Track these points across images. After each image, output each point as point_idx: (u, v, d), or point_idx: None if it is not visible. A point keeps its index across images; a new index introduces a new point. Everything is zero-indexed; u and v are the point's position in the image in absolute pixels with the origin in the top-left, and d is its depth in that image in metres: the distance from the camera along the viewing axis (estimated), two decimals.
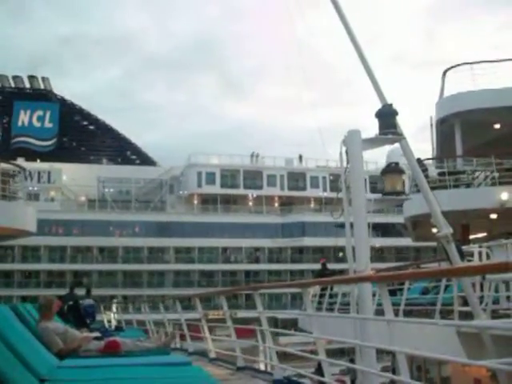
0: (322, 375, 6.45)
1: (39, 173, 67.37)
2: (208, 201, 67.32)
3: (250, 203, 68.91)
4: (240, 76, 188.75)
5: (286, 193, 68.55)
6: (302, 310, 19.26)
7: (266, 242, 64.51)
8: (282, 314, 42.71)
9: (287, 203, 68.22)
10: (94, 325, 14.08)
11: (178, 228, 62.37)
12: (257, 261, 65.17)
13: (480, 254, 11.23)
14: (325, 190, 66.82)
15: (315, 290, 18.83)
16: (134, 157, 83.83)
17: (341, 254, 56.98)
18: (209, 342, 11.00)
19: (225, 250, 64.69)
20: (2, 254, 59.29)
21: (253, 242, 64.15)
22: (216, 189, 66.84)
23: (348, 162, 7.07)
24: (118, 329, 14.08)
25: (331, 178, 65.34)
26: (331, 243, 49.04)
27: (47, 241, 58.55)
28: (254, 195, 68.55)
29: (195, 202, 67.67)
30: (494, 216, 17.78)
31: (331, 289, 18.22)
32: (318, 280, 13.39)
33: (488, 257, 11.12)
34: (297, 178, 69.73)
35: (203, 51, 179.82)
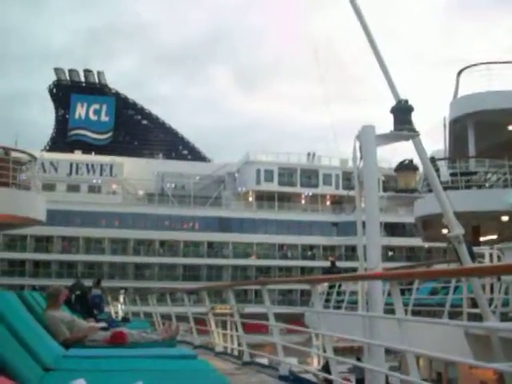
0: (329, 372, 6.38)
1: (101, 166, 68.05)
2: (263, 198, 68.29)
3: (303, 201, 69.99)
4: (254, 70, 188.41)
5: (340, 192, 68.69)
6: (310, 306, 19.19)
7: (320, 240, 65.31)
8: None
9: (339, 202, 68.48)
10: (101, 315, 14.12)
11: (236, 224, 63.50)
12: (312, 258, 65.56)
13: (491, 255, 11.13)
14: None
15: (323, 287, 18.74)
16: (185, 152, 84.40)
17: (390, 253, 60.47)
18: (215, 335, 10.96)
19: (281, 246, 65.63)
20: (65, 246, 60.73)
21: (308, 239, 65.16)
22: (274, 186, 68.14)
23: (361, 158, 6.96)
24: (125, 320, 14.07)
25: (383, 178, 65.47)
26: (385, 242, 50.00)
27: (110, 233, 60.10)
28: (310, 193, 69.80)
29: (250, 198, 68.72)
30: (505, 218, 17.61)
31: (339, 287, 18.14)
32: (328, 276, 13.20)
33: (499, 259, 11.02)
34: (349, 178, 69.87)
35: (217, 44, 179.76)
